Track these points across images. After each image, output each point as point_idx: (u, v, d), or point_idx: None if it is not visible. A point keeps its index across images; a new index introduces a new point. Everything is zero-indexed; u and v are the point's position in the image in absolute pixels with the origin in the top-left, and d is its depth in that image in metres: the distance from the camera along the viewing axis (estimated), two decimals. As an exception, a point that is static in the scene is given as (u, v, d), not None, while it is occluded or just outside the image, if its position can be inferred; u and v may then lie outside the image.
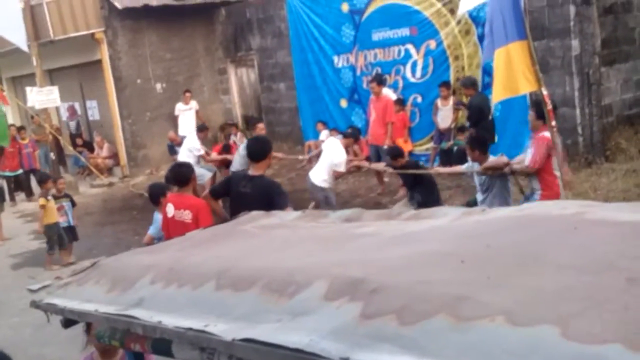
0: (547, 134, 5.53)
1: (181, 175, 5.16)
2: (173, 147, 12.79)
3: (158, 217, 5.68)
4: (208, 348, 2.11)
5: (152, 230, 5.85)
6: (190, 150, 10.32)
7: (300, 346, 1.67)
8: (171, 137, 13.33)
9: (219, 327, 1.97)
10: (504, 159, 6.14)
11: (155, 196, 5.78)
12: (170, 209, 5.04)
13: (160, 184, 6.44)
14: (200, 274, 2.41)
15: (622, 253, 1.91)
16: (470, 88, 8.96)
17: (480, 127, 8.50)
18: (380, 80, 10.01)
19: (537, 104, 5.84)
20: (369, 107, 10.21)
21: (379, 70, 11.10)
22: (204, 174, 9.87)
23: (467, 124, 9.06)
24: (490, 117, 8.88)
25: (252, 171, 4.99)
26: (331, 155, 8.10)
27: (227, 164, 9.93)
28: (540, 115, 5.59)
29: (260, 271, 2.24)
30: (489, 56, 7.33)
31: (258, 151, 5.01)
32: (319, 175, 8.09)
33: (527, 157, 5.67)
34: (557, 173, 5.66)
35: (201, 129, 11.17)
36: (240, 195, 4.77)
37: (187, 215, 4.90)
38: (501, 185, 6.07)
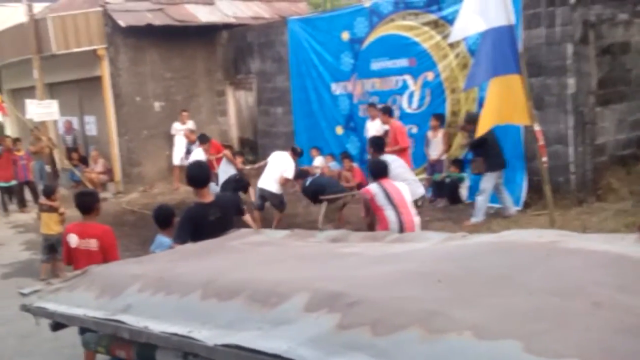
0: (370, 187, 5.25)
1: (85, 204, 5.12)
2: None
3: (164, 240, 5.45)
4: (191, 354, 2.19)
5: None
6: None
7: (278, 352, 1.76)
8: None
9: (202, 333, 2.06)
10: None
11: (164, 219, 5.45)
12: (73, 239, 5.01)
13: (167, 206, 6.26)
14: (187, 283, 2.49)
15: (591, 280, 2.00)
16: (471, 124, 8.82)
17: (485, 152, 8.26)
18: (391, 112, 9.98)
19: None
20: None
21: (376, 99, 11.24)
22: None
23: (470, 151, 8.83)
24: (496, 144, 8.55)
25: (204, 199, 4.65)
26: (279, 165, 9.19)
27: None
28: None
29: (245, 282, 2.33)
30: (471, 84, 7.43)
31: (201, 176, 4.77)
32: (271, 184, 9.10)
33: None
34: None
35: (203, 140, 11.29)
36: (213, 224, 4.48)
37: (93, 244, 4.91)
38: None
